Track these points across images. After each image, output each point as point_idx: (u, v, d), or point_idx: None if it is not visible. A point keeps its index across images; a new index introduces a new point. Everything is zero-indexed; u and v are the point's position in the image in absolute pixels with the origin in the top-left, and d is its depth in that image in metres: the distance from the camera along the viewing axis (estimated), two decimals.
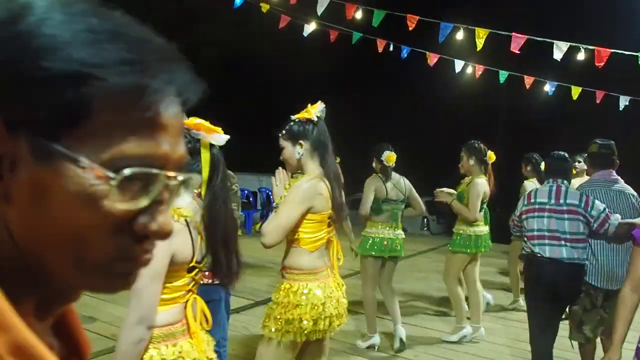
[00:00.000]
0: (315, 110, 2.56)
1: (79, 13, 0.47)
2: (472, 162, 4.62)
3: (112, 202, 0.46)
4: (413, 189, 4.70)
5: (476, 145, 4.66)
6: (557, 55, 5.87)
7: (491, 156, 4.71)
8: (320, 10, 6.27)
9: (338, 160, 3.30)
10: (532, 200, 3.53)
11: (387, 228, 4.52)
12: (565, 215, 3.37)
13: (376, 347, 4.50)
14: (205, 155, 1.80)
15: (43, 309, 0.52)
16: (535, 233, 3.44)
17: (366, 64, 15.03)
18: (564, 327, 3.57)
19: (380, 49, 7.60)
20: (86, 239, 0.47)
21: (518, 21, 8.87)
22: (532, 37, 5.84)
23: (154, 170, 0.48)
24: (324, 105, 2.60)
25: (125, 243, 0.49)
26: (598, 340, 3.56)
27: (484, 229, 4.73)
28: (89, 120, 0.45)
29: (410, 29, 6.25)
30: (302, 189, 2.48)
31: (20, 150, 0.45)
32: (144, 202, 0.48)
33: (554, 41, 5.91)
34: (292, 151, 2.57)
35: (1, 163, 0.46)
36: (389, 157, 4.47)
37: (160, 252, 1.55)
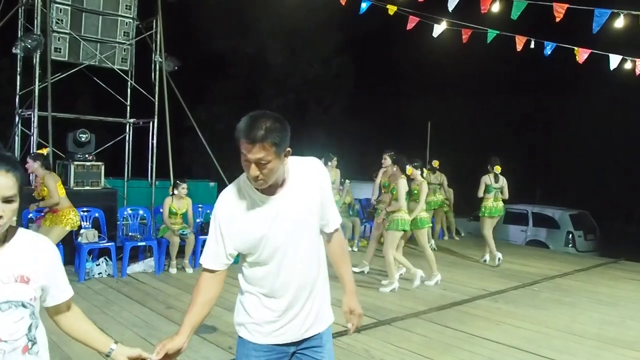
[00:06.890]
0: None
1: None
2: None
3: None
4: None
5: None
6: None
7: None
8: (451, 6, 5.76)
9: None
10: None
11: None
12: None
13: None
14: None
15: None
16: None
17: (502, 64, 14.09)
18: None
19: (519, 47, 6.91)
20: None
21: None
22: None
23: None
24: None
25: None
26: None
27: None
28: None
29: (558, 20, 5.49)
30: None
31: None
32: None
33: None
34: None
35: None
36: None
37: None
